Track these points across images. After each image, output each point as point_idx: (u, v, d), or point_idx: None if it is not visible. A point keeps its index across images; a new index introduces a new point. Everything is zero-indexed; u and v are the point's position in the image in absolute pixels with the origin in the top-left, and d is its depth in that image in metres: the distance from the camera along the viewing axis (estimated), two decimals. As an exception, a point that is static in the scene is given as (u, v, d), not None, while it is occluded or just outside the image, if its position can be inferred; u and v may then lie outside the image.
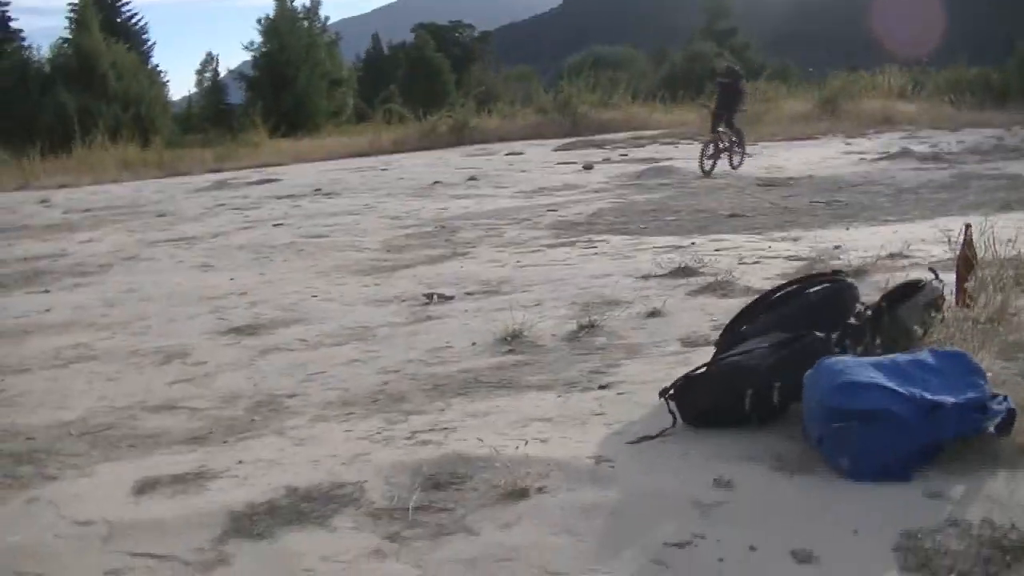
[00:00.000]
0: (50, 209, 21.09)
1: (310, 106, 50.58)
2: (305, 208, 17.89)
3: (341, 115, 52.82)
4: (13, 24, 58.17)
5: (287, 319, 9.02)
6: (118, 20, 58.27)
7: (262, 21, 53.48)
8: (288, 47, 51.83)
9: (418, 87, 63.15)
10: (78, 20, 51.11)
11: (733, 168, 20.41)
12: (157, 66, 57.93)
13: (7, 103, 46.45)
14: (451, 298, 9.46)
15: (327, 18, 56.65)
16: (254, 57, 54.33)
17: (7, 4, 58.36)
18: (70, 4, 52.53)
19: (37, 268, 13.40)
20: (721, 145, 20.56)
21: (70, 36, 51.40)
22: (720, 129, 20.72)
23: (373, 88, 64.05)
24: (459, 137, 33.44)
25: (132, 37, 57.70)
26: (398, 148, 32.61)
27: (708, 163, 19.84)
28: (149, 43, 60.31)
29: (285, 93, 50.50)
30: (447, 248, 12.62)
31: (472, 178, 20.99)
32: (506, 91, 53.29)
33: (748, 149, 21.22)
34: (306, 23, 54.06)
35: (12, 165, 32.05)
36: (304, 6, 54.44)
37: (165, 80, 57.12)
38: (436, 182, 20.66)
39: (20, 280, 12.54)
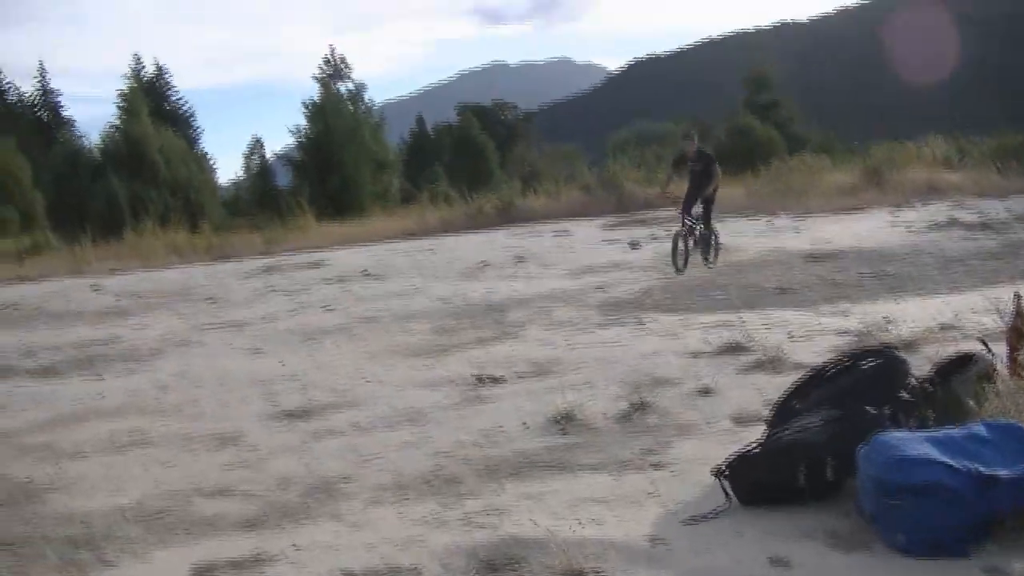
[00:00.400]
0: (102, 295, 21.28)
1: (356, 189, 50.92)
2: (354, 291, 17.96)
3: (387, 197, 53.13)
4: (65, 112, 59.17)
5: (339, 403, 9.06)
6: (166, 106, 59.00)
7: (307, 105, 54.06)
8: (333, 130, 52.27)
9: (463, 167, 63.41)
10: (127, 107, 51.88)
11: (709, 266, 18.00)
12: (205, 151, 58.64)
13: (59, 190, 47.06)
14: (502, 380, 9.48)
15: (372, 101, 57.22)
16: (300, 141, 54.83)
17: (59, 93, 59.35)
18: (119, 92, 53.38)
19: (90, 354, 13.53)
20: (692, 238, 18.23)
21: (120, 123, 52.19)
22: (689, 221, 18.27)
23: (418, 169, 64.46)
24: (505, 217, 33.46)
25: (180, 123, 58.43)
26: (445, 229, 32.67)
27: (681, 259, 17.64)
28: (197, 129, 61.01)
29: (331, 176, 50.90)
30: (497, 329, 12.63)
31: (519, 258, 21.03)
32: (551, 170, 53.44)
33: (794, 222, 20.99)
34: (351, 106, 54.53)
35: (64, 252, 32.43)
36: (349, 90, 54.99)
37: (213, 165, 57.69)
38: (484, 263, 20.69)
39: (74, 366, 12.69)
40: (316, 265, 23.46)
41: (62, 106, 59.13)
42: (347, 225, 36.74)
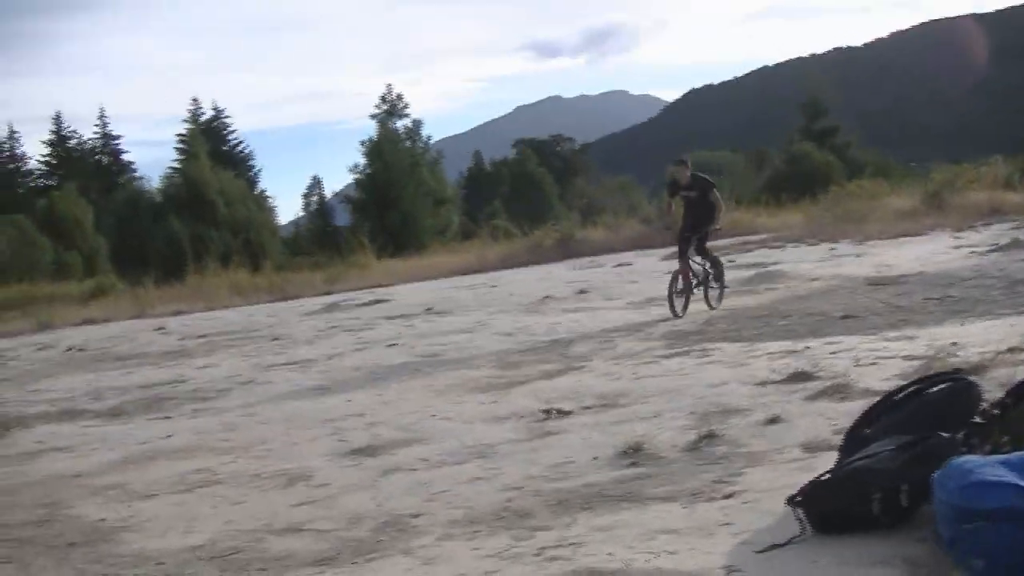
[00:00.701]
0: (166, 336, 21.49)
1: (416, 225, 51.17)
2: (417, 327, 18.01)
3: (446, 233, 53.31)
4: (125, 157, 59.87)
5: (406, 439, 9.08)
6: (224, 148, 59.50)
7: (365, 143, 54.37)
8: (392, 168, 52.54)
9: (522, 202, 63.55)
10: (187, 150, 52.48)
11: (711, 308, 16.61)
12: (264, 191, 59.07)
13: (121, 233, 47.59)
14: (569, 413, 9.47)
15: (429, 138, 57.50)
16: (359, 179, 55.12)
17: (119, 138, 60.06)
18: (179, 135, 54.01)
19: (157, 395, 13.68)
20: (694, 279, 16.75)
21: (179, 166, 52.79)
22: (692, 258, 16.79)
23: (477, 204, 64.71)
24: (565, 250, 33.53)
25: (239, 164, 58.93)
26: (505, 264, 32.75)
27: (679, 302, 16.31)
28: (256, 169, 61.49)
29: (391, 213, 51.11)
30: (562, 362, 12.62)
31: (581, 291, 21.04)
32: (610, 202, 53.48)
33: (855, 248, 20.73)
34: (409, 143, 54.82)
35: (128, 293, 32.77)
36: (406, 127, 55.29)
37: (272, 204, 58.12)
38: (546, 296, 20.70)
39: (142, 407, 12.81)
40: (378, 302, 23.56)
41: (122, 150, 59.77)
42: (407, 261, 36.89)
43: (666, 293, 16.37)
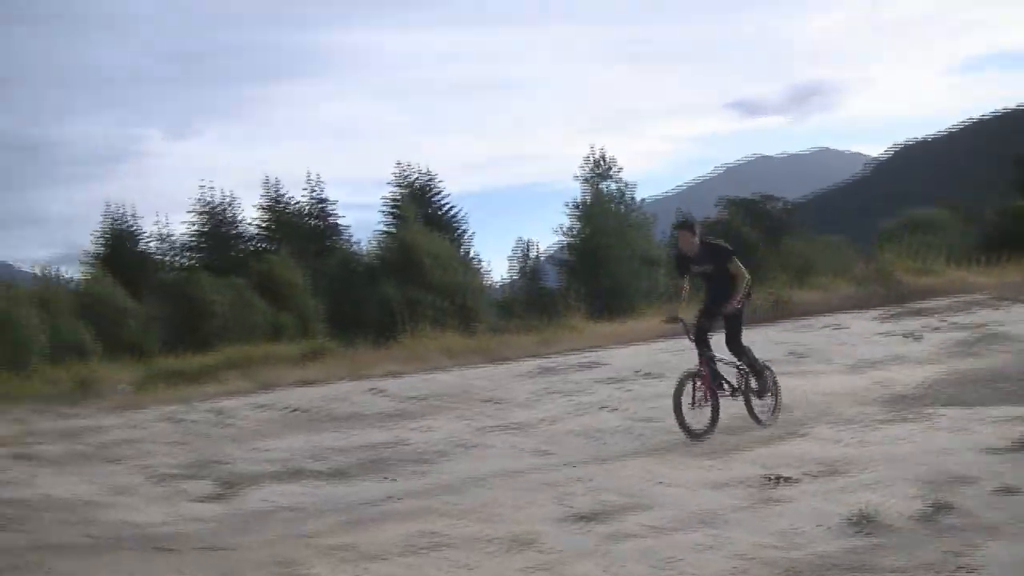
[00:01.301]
0: (383, 398, 21.75)
1: (626, 287, 51.16)
2: (633, 391, 17.95)
3: (655, 295, 53.16)
4: (334, 220, 61.30)
5: (630, 504, 9.10)
6: (431, 211, 60.34)
7: (575, 205, 54.69)
8: (602, 230, 52.72)
9: (731, 262, 62.99)
10: (399, 215, 53.58)
11: (760, 422, 12.95)
12: (473, 253, 59.73)
13: (335, 295, 48.65)
14: (793, 480, 9.38)
15: (643, 200, 57.66)
16: (567, 242, 55.49)
17: (335, 202, 61.57)
18: (384, 198, 55.29)
19: (378, 456, 13.87)
20: (726, 386, 12.97)
21: (391, 230, 53.89)
22: (709, 353, 12.94)
23: (685, 265, 64.48)
24: (776, 312, 33.12)
25: (447, 226, 59.73)
26: (714, 326, 32.39)
27: (693, 415, 12.45)
28: (465, 232, 62.22)
29: (601, 275, 51.24)
30: (782, 428, 12.51)
31: (796, 353, 20.74)
32: (820, 261, 52.64)
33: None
34: (621, 206, 54.99)
35: (341, 355, 33.43)
36: (617, 188, 55.49)
37: (481, 267, 58.77)
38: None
39: (365, 468, 13.04)
40: (592, 365, 23.53)
41: (334, 214, 61.21)
42: (619, 325, 36.83)
43: (689, 397, 12.51)
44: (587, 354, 25.22)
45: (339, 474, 12.83)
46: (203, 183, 60.33)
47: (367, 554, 8.21)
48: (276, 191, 60.69)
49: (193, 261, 57.70)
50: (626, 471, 10.79)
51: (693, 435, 12.23)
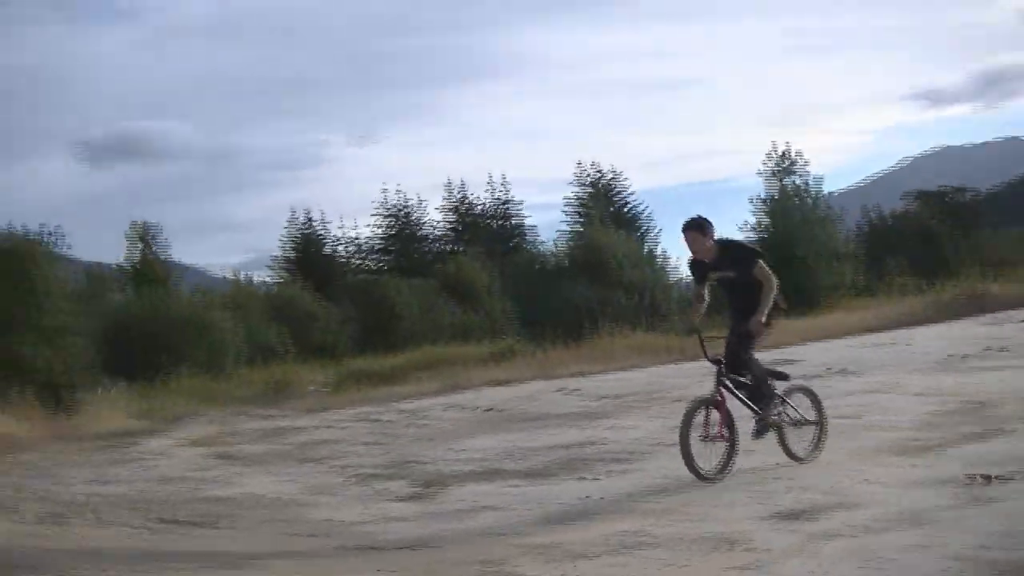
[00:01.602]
0: (573, 397, 21.87)
1: (811, 283, 50.41)
2: (827, 387, 17.71)
3: (843, 290, 52.32)
4: (518, 220, 61.54)
5: (837, 503, 9.02)
6: (614, 209, 60.12)
7: (760, 201, 54.08)
8: (790, 225, 52.03)
9: (921, 256, 61.76)
10: (585, 214, 53.69)
11: (796, 458, 11.17)
12: (659, 250, 59.39)
13: (522, 295, 48.85)
14: (1004, 478, 9.17)
15: (828, 193, 56.76)
16: (752, 237, 54.89)
17: (520, 203, 61.86)
18: (566, 198, 55.40)
19: (574, 455, 13.96)
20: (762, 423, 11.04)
21: (576, 229, 53.99)
22: (724, 376, 10.93)
23: (871, 260, 63.27)
24: (972, 306, 32.33)
25: (632, 225, 59.47)
26: (903, 321, 31.81)
27: (705, 450, 10.66)
28: (650, 229, 61.87)
29: (790, 271, 50.56)
30: (984, 424, 12.24)
31: (995, 348, 20.25)
32: (1016, 254, 51.28)
33: None
34: (809, 200, 54.23)
35: (530, 355, 33.61)
36: (806, 183, 54.74)
37: (666, 264, 58.38)
38: (955, 355, 20.01)
39: (562, 467, 13.13)
40: (786, 362, 23.32)
41: (519, 214, 61.44)
42: (807, 321, 36.35)
43: (699, 430, 10.65)
44: (780, 351, 24.98)
45: (537, 473, 12.92)
46: (386, 186, 60.83)
47: (573, 552, 8.24)
48: (460, 192, 61.18)
49: (380, 264, 58.45)
50: (828, 468, 10.69)
51: (701, 477, 10.52)
